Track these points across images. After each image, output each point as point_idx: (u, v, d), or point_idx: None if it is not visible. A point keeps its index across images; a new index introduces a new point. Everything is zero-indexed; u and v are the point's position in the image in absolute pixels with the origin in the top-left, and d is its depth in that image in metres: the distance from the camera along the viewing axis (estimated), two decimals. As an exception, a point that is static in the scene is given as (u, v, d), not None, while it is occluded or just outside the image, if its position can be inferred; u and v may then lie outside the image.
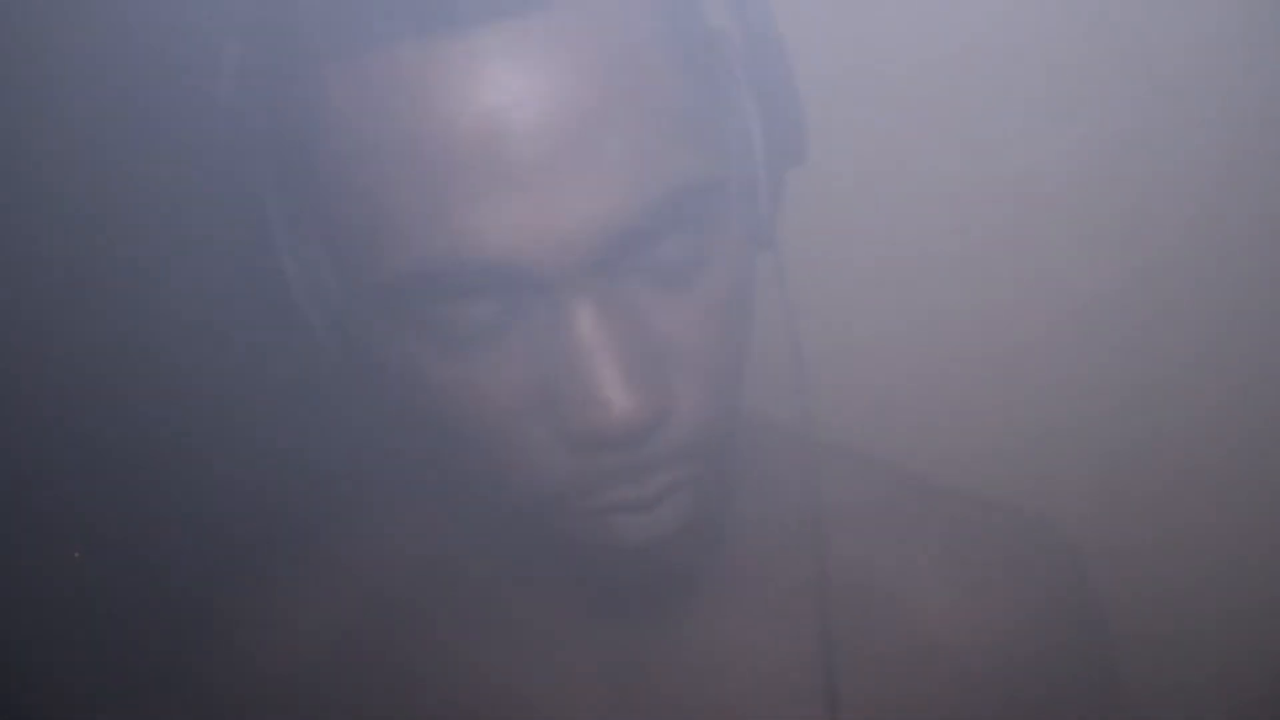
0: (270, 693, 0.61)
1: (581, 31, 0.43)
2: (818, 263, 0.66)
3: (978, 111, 0.79)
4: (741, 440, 0.55)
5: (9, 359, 0.69)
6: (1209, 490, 0.83)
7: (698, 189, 0.46)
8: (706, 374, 0.48)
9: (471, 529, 0.62)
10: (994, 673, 0.60)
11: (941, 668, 0.60)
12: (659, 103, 0.44)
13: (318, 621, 0.62)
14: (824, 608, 0.57)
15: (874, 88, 0.78)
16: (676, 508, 0.49)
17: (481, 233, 0.43)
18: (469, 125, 0.42)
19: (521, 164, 0.42)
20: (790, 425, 0.60)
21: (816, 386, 0.56)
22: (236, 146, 0.48)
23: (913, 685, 0.60)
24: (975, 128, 0.79)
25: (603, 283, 0.45)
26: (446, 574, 0.62)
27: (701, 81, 0.47)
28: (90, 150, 0.69)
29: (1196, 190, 0.80)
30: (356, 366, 0.52)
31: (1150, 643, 0.78)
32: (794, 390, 0.56)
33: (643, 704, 0.60)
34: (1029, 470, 0.77)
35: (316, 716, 0.61)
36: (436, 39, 0.43)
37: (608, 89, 0.43)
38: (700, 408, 0.48)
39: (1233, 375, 0.82)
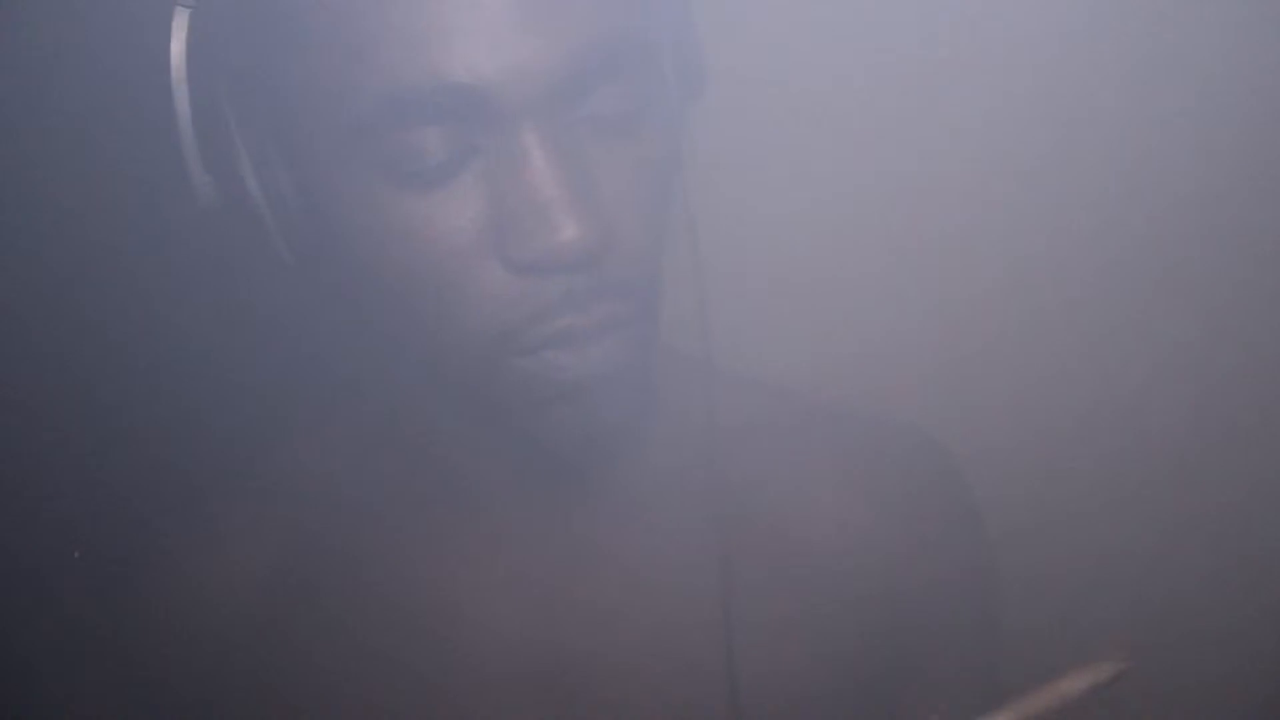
0: (201, 643, 0.66)
1: None
2: (725, 207, 0.70)
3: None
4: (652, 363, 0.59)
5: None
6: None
7: (637, 44, 0.54)
8: (641, 219, 0.55)
9: (398, 417, 0.67)
10: (865, 569, 0.67)
11: (817, 569, 0.66)
12: None
13: (240, 564, 0.66)
14: (720, 522, 0.64)
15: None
16: (613, 348, 0.55)
17: (453, 61, 0.50)
18: None
19: (493, 4, 0.50)
20: (692, 354, 0.65)
21: (716, 319, 0.63)
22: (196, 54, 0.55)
23: (795, 590, 0.65)
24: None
25: (555, 122, 0.52)
26: (370, 483, 0.67)
27: None
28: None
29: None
30: (307, 259, 0.57)
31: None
32: (696, 321, 0.62)
33: (534, 601, 0.64)
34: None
35: (248, 661, 0.65)
36: None
37: None
38: (637, 247, 0.55)
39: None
